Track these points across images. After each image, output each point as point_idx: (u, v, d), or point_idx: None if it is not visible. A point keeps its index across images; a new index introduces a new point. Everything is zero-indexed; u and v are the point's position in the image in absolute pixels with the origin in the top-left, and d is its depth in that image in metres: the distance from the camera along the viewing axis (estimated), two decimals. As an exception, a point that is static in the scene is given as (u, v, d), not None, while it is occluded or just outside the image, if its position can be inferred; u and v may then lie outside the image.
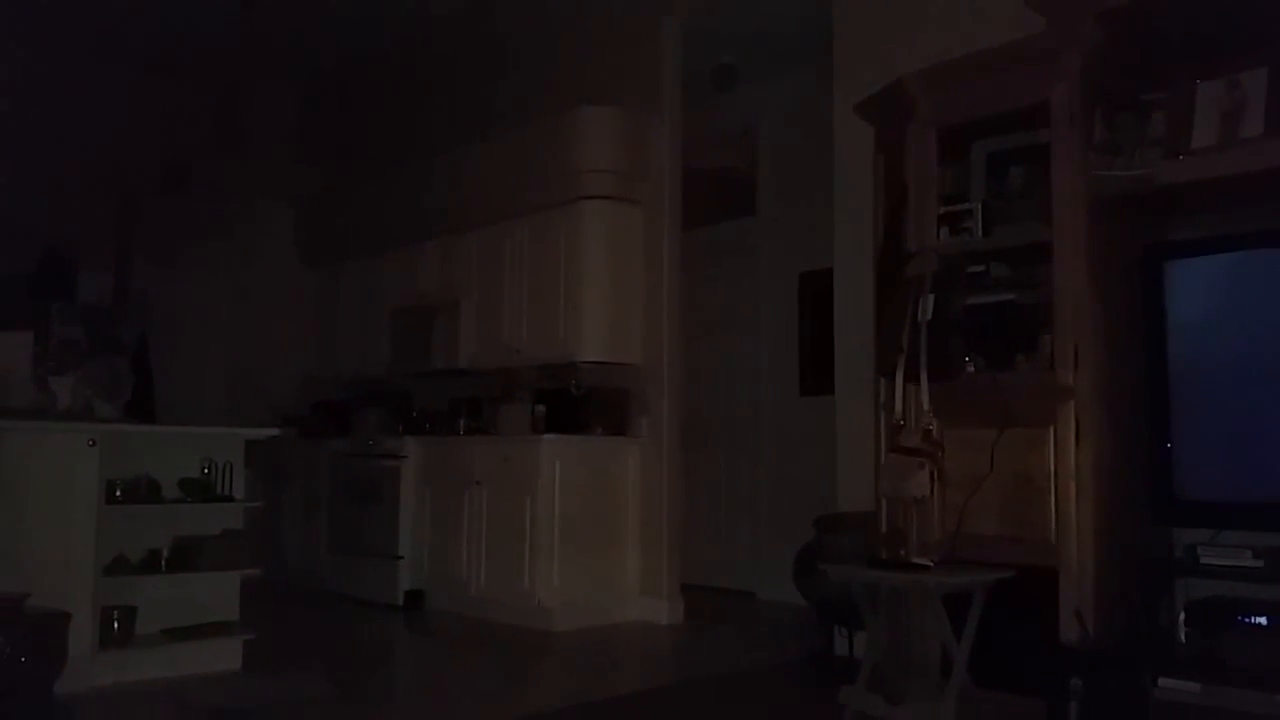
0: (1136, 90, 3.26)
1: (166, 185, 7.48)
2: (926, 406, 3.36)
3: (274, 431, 4.92)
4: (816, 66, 5.14)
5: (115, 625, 3.91)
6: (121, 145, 7.19)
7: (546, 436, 5.31)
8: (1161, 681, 2.88)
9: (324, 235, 7.58)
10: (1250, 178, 3.00)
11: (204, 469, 4.27)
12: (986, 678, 3.14)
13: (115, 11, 6.65)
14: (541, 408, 5.63)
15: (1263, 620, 2.91)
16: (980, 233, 3.54)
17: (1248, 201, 3.13)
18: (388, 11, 6.83)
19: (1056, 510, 3.20)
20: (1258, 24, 3.09)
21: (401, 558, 5.84)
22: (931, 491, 3.32)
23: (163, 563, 4.09)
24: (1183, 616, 3.00)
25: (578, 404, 5.61)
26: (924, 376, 3.37)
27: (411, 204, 6.65)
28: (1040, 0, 3.51)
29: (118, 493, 3.98)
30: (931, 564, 3.17)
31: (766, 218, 6.60)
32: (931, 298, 3.40)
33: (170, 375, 6.41)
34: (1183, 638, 2.99)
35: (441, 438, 6.06)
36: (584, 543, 5.27)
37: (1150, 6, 3.16)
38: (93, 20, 6.76)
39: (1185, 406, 3.16)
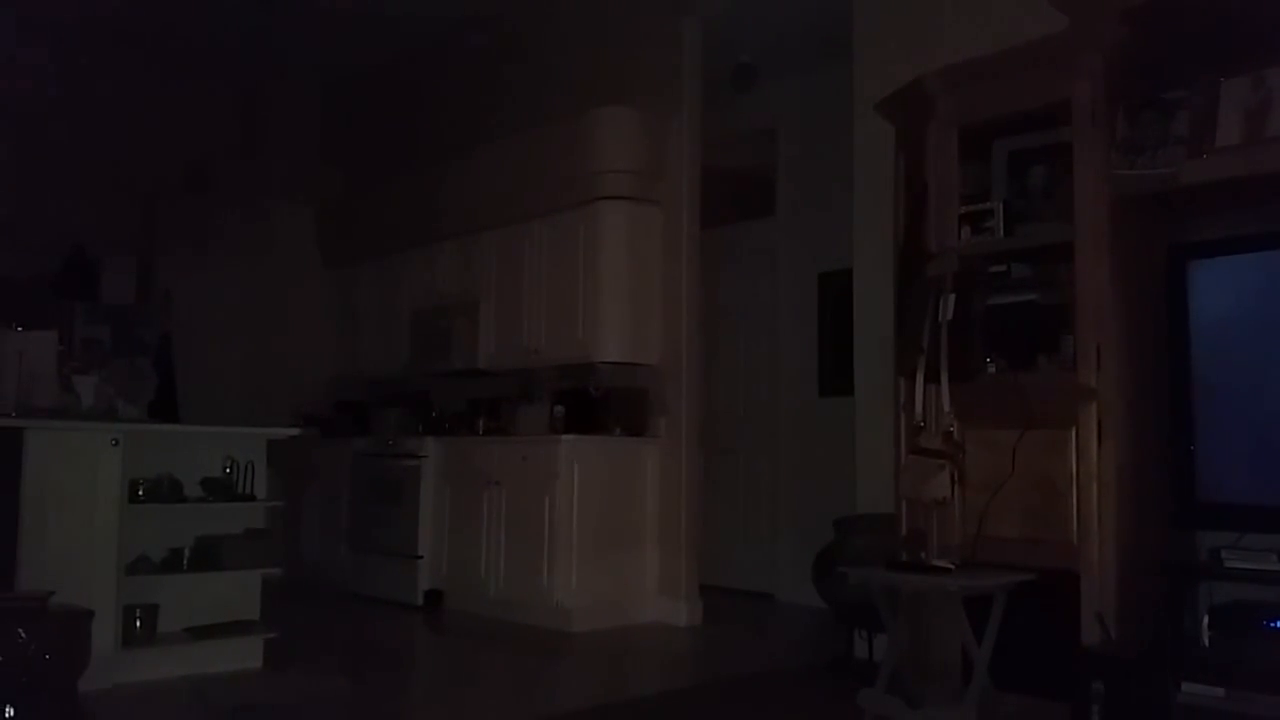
0: (1160, 88, 3.23)
1: (189, 186, 7.53)
2: (947, 408, 3.34)
3: (295, 431, 4.94)
4: (836, 66, 5.12)
5: (138, 623, 3.95)
6: (145, 146, 7.25)
7: (565, 437, 5.32)
8: (1185, 686, 2.85)
9: (344, 236, 7.61)
10: (1275, 177, 2.96)
11: (226, 468, 4.30)
12: (1008, 681, 3.12)
13: (138, 13, 6.70)
14: (560, 408, 5.63)
15: (1288, 625, 2.88)
16: (1002, 232, 3.52)
17: (1273, 200, 3.09)
18: (406, 14, 6.86)
19: (1078, 512, 3.18)
20: (1284, 21, 3.05)
21: (421, 557, 5.86)
22: (952, 493, 3.30)
23: (185, 561, 4.12)
24: (1206, 620, 2.97)
25: (596, 404, 5.61)
26: (944, 377, 3.35)
27: (431, 205, 6.67)
28: (1062, -2, 3.48)
29: (140, 492, 4.01)
30: (952, 566, 3.15)
31: (786, 217, 6.58)
32: (952, 298, 3.39)
33: (193, 375, 6.44)
34: (1206, 642, 2.96)
35: (461, 438, 6.08)
36: (602, 543, 5.27)
37: (1173, 4, 3.13)
38: (116, 22, 6.82)
39: (1209, 408, 3.13)
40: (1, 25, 6.57)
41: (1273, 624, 2.89)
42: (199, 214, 7.41)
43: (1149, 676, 2.86)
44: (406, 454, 6.05)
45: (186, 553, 4.13)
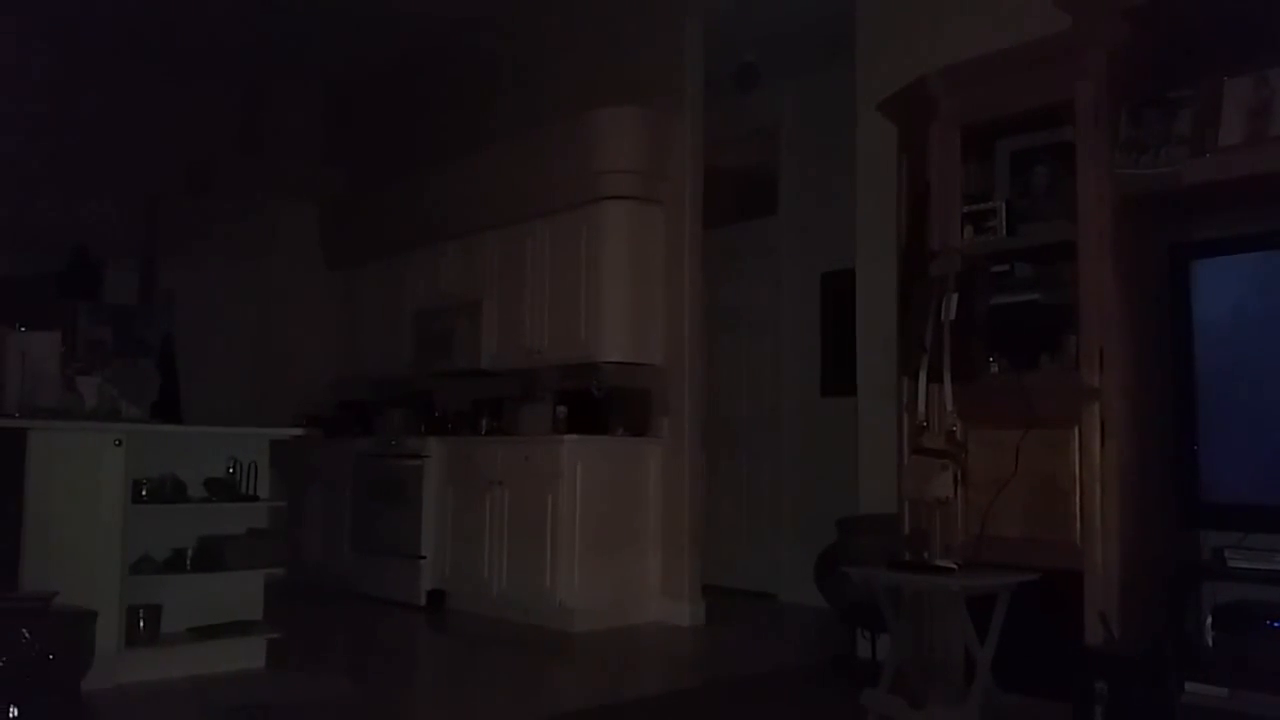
0: (1163, 87, 3.22)
1: (192, 186, 7.54)
2: (950, 407, 3.33)
3: (298, 431, 4.95)
4: (838, 65, 5.12)
5: (141, 624, 3.95)
6: (147, 146, 7.26)
7: (568, 437, 5.32)
8: (1188, 686, 2.85)
9: (347, 236, 7.62)
10: (1278, 176, 2.95)
11: (229, 469, 4.31)
12: (1010, 681, 3.11)
13: (140, 13, 6.71)
14: (563, 408, 5.63)
15: (1292, 624, 2.87)
16: (1004, 232, 3.51)
17: (1276, 200, 3.09)
18: (408, 14, 6.86)
19: (1081, 512, 3.17)
20: (1287, 20, 3.05)
21: (424, 557, 5.86)
22: (955, 493, 3.29)
23: (188, 562, 4.13)
24: (1210, 620, 2.96)
25: (599, 405, 5.61)
26: (947, 377, 3.34)
27: (433, 205, 6.67)
28: (1065, -3, 3.47)
29: (144, 492, 4.02)
30: (955, 566, 3.15)
31: (788, 217, 6.58)
32: (955, 297, 3.38)
33: (196, 375, 6.45)
34: (1210, 642, 2.95)
35: (463, 438, 6.08)
36: (605, 543, 5.27)
37: (1176, 3, 3.12)
38: (118, 22, 6.83)
39: (1212, 407, 3.13)
40: (3, 26, 6.58)
41: (1276, 624, 2.89)
42: (202, 214, 7.43)
43: (1152, 676, 2.85)
44: (409, 454, 6.05)
45: (189, 553, 4.14)
